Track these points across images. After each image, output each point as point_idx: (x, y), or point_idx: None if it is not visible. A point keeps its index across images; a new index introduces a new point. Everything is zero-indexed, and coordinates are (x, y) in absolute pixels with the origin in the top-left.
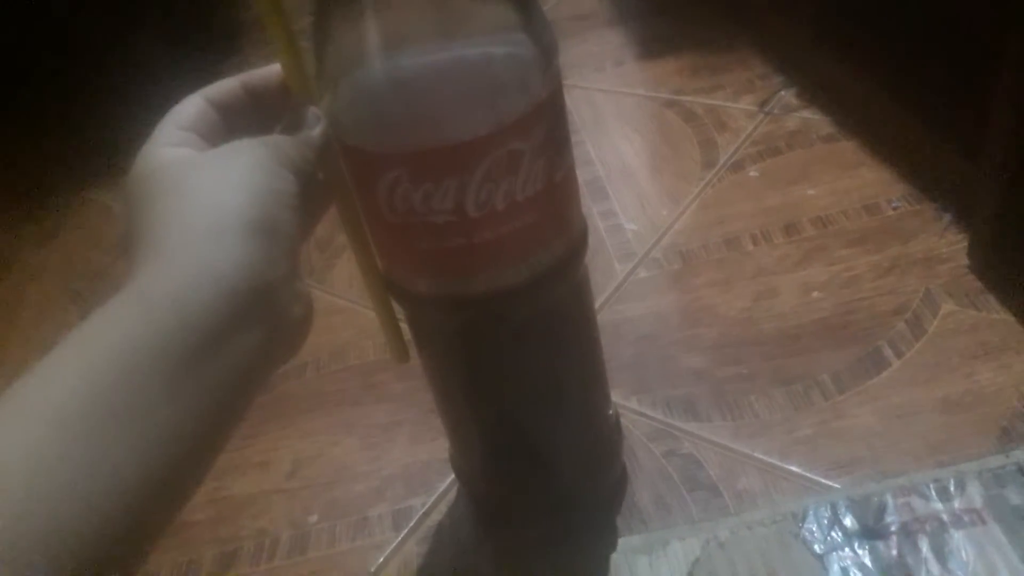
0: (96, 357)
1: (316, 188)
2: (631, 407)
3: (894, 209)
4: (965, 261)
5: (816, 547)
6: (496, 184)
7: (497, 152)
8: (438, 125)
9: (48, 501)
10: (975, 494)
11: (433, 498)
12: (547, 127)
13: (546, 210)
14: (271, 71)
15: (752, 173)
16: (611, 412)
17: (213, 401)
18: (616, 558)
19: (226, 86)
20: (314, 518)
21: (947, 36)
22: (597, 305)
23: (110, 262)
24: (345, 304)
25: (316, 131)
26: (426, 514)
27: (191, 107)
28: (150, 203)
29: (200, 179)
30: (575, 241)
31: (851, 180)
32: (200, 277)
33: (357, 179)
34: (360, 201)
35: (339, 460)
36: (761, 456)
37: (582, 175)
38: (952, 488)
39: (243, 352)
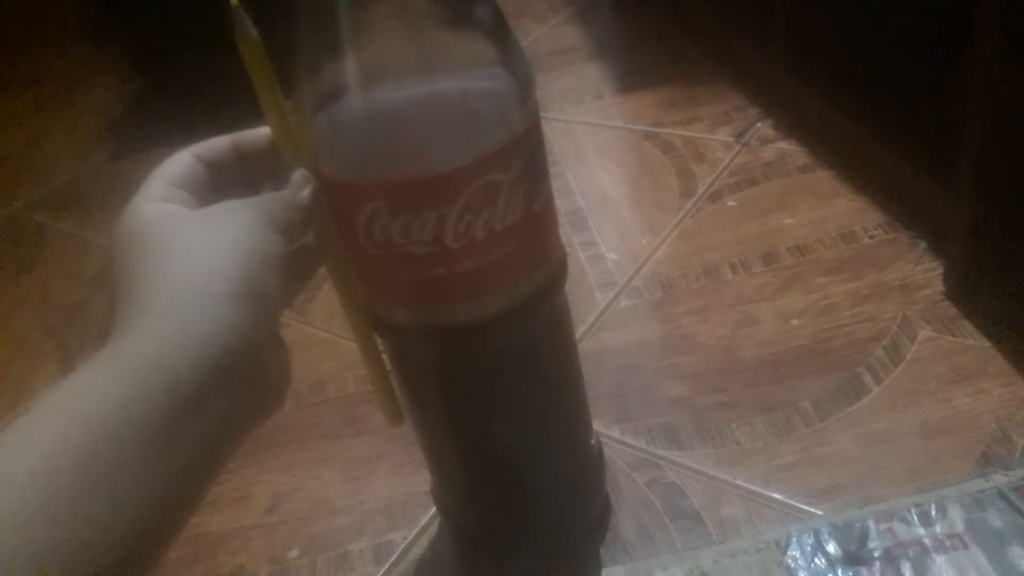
0: (74, 421)
1: (304, 250)
2: (614, 436)
3: (870, 237)
4: (941, 288)
5: (800, 575)
6: (475, 215)
7: (476, 184)
8: (417, 157)
9: (18, 560)
10: (956, 518)
11: (415, 531)
12: (525, 159)
13: (525, 240)
14: (261, 133)
15: (730, 203)
16: (593, 442)
17: (189, 463)
18: None
19: (216, 145)
20: (294, 553)
21: (918, 69)
22: (579, 334)
23: (87, 296)
24: (325, 336)
25: (305, 193)
26: (408, 548)
27: (180, 163)
28: (139, 260)
29: (190, 240)
30: (554, 270)
31: (828, 209)
32: (186, 341)
33: (337, 211)
34: (340, 233)
35: (319, 494)
36: (743, 484)
37: (563, 206)
38: (933, 513)
39: (221, 414)
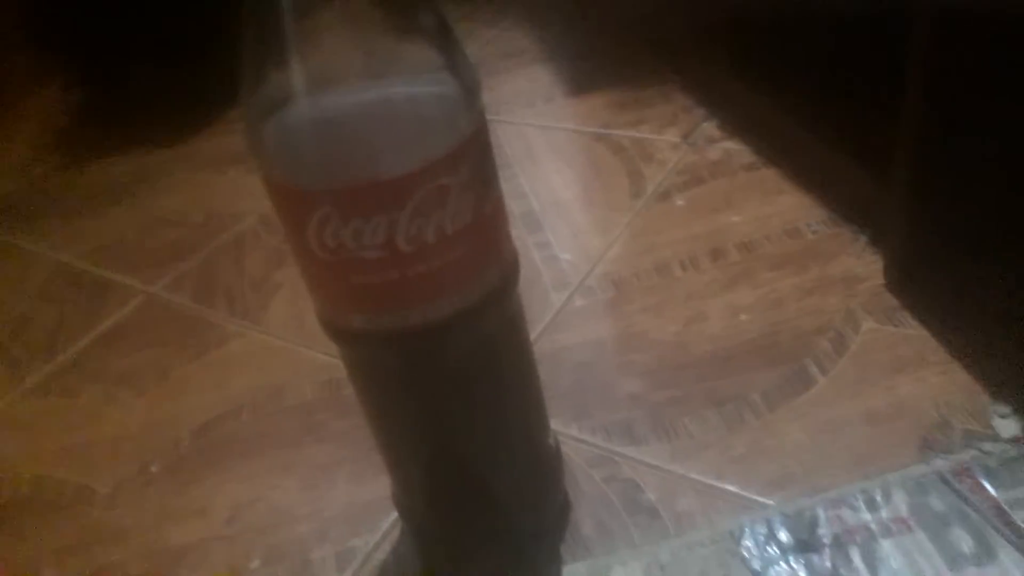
0: None
1: None
2: (571, 434)
3: (814, 233)
4: (882, 280)
5: (754, 564)
6: (426, 218)
7: (426, 187)
8: (366, 162)
9: None
10: (900, 503)
11: (377, 537)
12: (474, 162)
13: (477, 241)
14: None
15: (679, 202)
16: (551, 441)
17: None
18: None
19: None
20: (255, 564)
21: (856, 69)
22: (535, 334)
23: (33, 309)
24: (281, 344)
25: None
26: (370, 553)
27: None
28: None
29: None
30: (507, 271)
31: (772, 206)
32: None
33: (286, 218)
34: (290, 239)
35: (279, 503)
36: (698, 477)
37: (516, 208)
38: (879, 498)
39: None
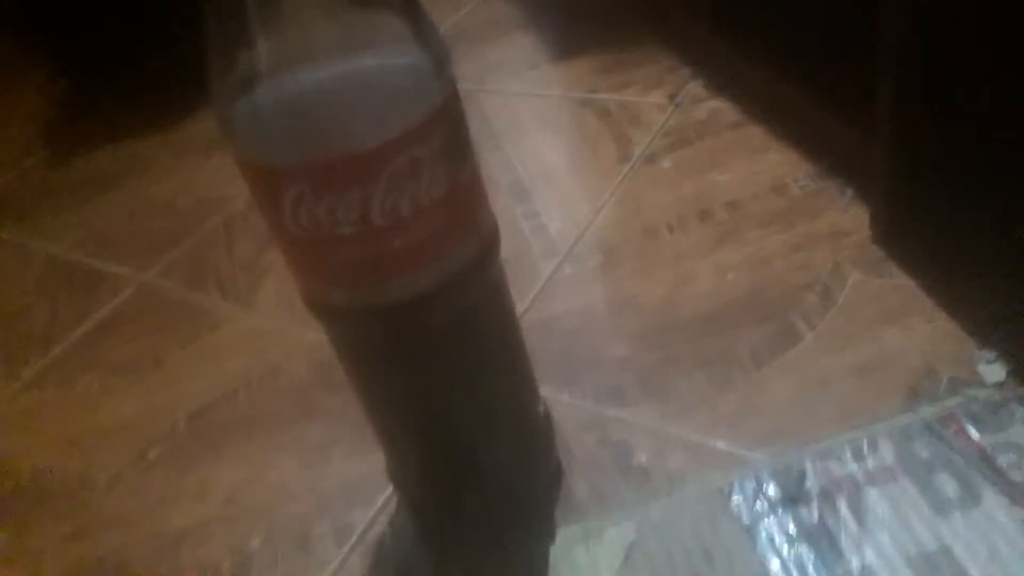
0: None
1: None
2: (563, 401)
3: (800, 189)
4: (868, 233)
5: (744, 518)
6: (400, 191)
7: (398, 160)
8: (336, 137)
9: None
10: (887, 452)
11: (374, 511)
12: (446, 132)
13: (453, 213)
14: None
15: (665, 164)
16: (541, 408)
17: None
18: (555, 550)
19: None
20: (256, 543)
21: (837, 21)
22: (525, 304)
23: (28, 304)
24: (273, 326)
25: None
26: (368, 527)
27: None
28: None
29: None
30: (486, 240)
31: (759, 164)
32: None
33: (261, 198)
34: (267, 220)
35: (277, 482)
36: (688, 436)
37: (504, 179)
38: (865, 449)
39: None
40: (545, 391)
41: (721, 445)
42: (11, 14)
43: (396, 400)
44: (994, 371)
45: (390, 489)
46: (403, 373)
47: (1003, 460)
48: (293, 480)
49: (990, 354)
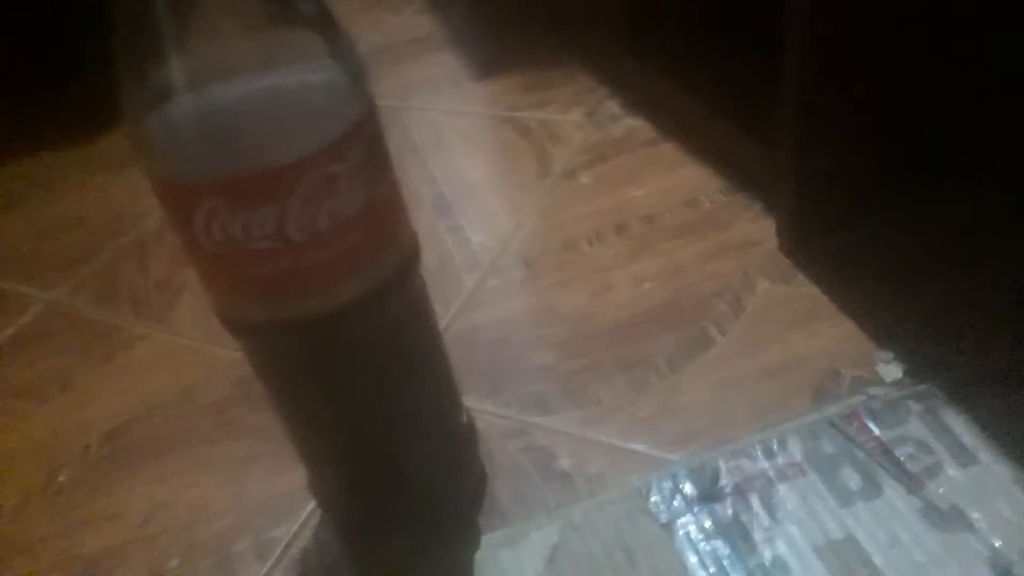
0: None
1: None
2: (487, 410)
3: (711, 203)
4: (775, 243)
5: (662, 517)
6: (317, 206)
7: (315, 175)
8: (252, 152)
9: None
10: (795, 449)
11: (296, 526)
12: (363, 148)
13: (371, 227)
14: None
15: (584, 180)
16: (464, 418)
17: None
18: (480, 556)
19: None
20: (174, 562)
21: (743, 43)
22: (448, 317)
23: None
24: (190, 344)
25: None
26: (290, 543)
27: None
28: None
29: None
30: (406, 254)
31: (673, 179)
32: None
33: (173, 213)
34: (179, 236)
35: (197, 500)
36: (607, 440)
37: (427, 193)
38: (775, 447)
39: None
40: (469, 401)
41: (639, 447)
42: None
43: (316, 414)
44: (891, 370)
45: (313, 504)
46: (322, 387)
47: (901, 452)
48: (213, 498)
49: (887, 355)
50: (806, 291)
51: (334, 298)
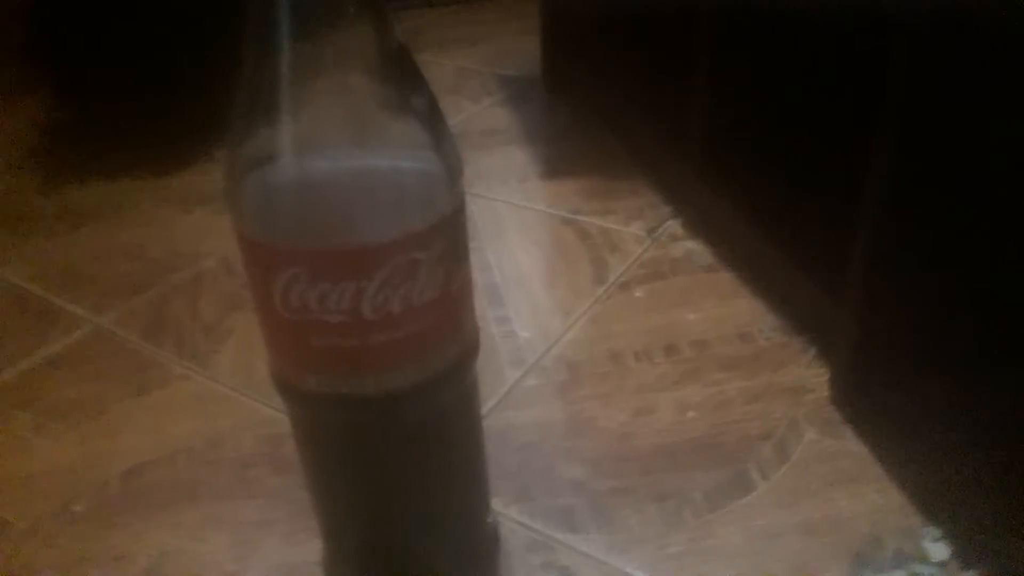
0: None
1: None
2: (511, 516)
3: (766, 339)
4: (827, 393)
5: None
6: (394, 289)
7: (398, 259)
8: (342, 228)
9: None
10: None
11: None
12: (448, 240)
13: (441, 316)
14: None
15: (638, 294)
16: (491, 520)
17: None
18: None
19: None
20: None
21: (818, 186)
22: (485, 410)
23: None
24: (226, 391)
25: None
26: None
27: None
28: None
29: None
30: (467, 347)
31: (727, 308)
32: None
33: (254, 272)
34: (255, 293)
35: (205, 557)
36: (633, 571)
37: (480, 280)
38: None
39: None
40: (495, 503)
41: None
42: (22, 37)
43: (348, 491)
44: (939, 550)
45: None
46: (361, 466)
47: None
48: (223, 557)
49: (936, 531)
50: (854, 448)
51: (391, 381)
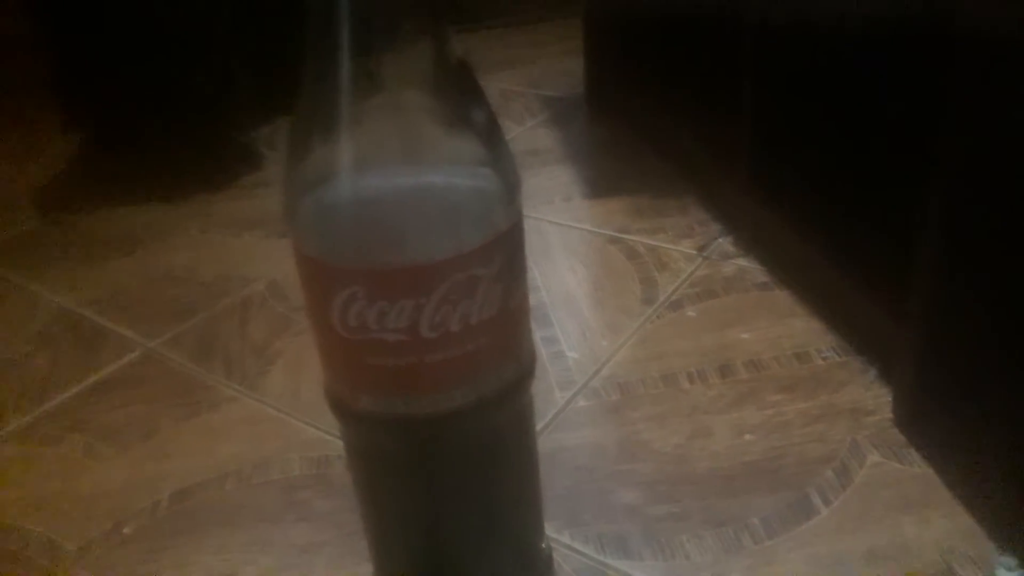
0: None
1: None
2: (563, 541)
3: (823, 359)
4: (889, 415)
5: None
6: (452, 307)
7: (456, 276)
8: (401, 246)
9: None
10: None
11: None
12: (506, 256)
13: (499, 335)
14: None
15: (690, 313)
16: (544, 545)
17: None
18: None
19: None
20: None
21: (876, 200)
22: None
23: (28, 352)
24: (275, 414)
25: None
26: None
27: None
28: None
29: None
30: (524, 366)
31: (783, 328)
32: None
33: (312, 291)
34: (311, 313)
35: None
36: None
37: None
38: None
39: None
40: (547, 528)
41: None
42: (59, 70)
43: (401, 514)
44: None
45: None
46: (416, 487)
47: None
48: None
49: (1010, 560)
50: (920, 472)
51: (449, 400)
